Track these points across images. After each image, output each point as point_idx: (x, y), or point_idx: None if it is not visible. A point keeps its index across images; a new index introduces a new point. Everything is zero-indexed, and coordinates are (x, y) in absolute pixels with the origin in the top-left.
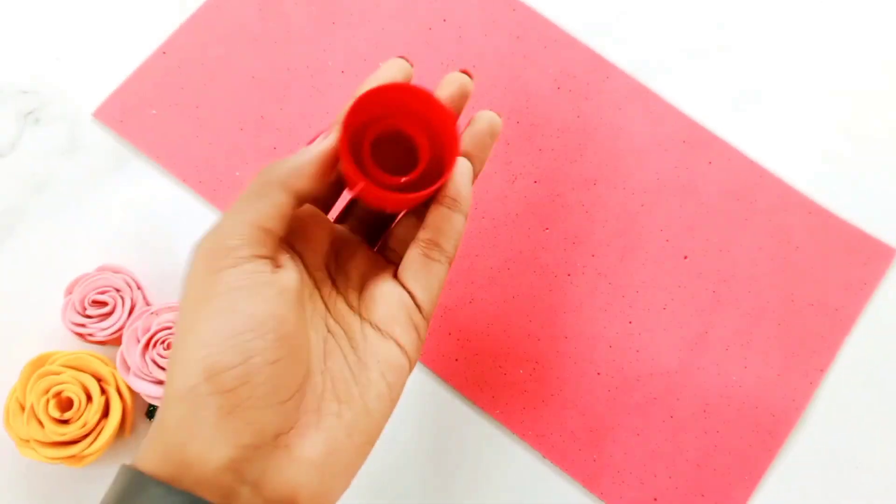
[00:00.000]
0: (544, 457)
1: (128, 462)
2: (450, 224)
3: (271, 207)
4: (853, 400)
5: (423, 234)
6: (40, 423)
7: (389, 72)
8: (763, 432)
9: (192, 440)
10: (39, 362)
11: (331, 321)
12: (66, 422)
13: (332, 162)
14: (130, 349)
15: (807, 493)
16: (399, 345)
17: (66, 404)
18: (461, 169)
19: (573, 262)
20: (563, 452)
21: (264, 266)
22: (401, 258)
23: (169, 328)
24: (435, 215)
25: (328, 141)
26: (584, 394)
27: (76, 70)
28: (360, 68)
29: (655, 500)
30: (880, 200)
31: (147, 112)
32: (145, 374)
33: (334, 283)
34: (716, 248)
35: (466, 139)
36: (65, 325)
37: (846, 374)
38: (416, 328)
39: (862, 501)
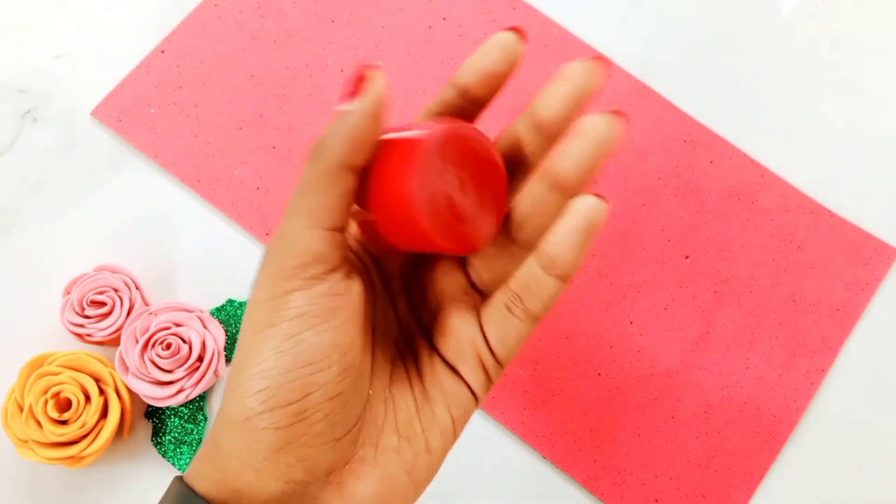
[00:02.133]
0: (544, 457)
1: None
2: (539, 285)
3: (337, 198)
4: (855, 400)
5: (511, 284)
6: (39, 423)
7: (490, 56)
8: (764, 433)
9: (244, 470)
10: (38, 363)
11: (401, 342)
12: (64, 422)
13: (380, 121)
14: (129, 349)
15: (808, 493)
16: (466, 384)
17: (64, 405)
18: (571, 226)
19: None
20: (564, 453)
21: (335, 285)
22: (485, 283)
23: (167, 328)
24: (526, 271)
25: (373, 95)
26: (585, 394)
27: (74, 69)
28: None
29: (656, 501)
30: (882, 200)
31: (145, 111)
32: (144, 375)
33: (410, 297)
34: (717, 247)
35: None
36: (63, 326)
37: (848, 375)
38: (487, 371)
39: (863, 503)
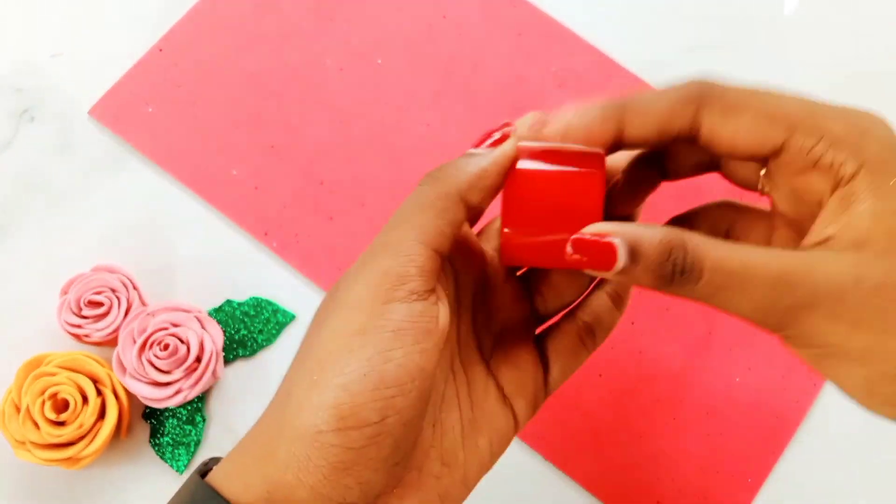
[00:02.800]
0: (546, 459)
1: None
2: (611, 319)
3: (449, 225)
4: None
5: (583, 315)
6: (36, 424)
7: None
8: (767, 434)
9: (300, 486)
10: (35, 363)
11: (457, 363)
12: (61, 423)
13: (503, 175)
14: (126, 350)
15: (811, 495)
16: (515, 417)
17: (61, 406)
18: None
19: None
20: (566, 455)
21: (431, 307)
22: (548, 310)
23: (165, 329)
24: (600, 303)
25: (509, 145)
26: (587, 396)
27: (71, 68)
28: (358, 65)
29: (658, 503)
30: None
31: (143, 110)
32: (141, 376)
33: (475, 319)
34: None
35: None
36: (60, 326)
37: None
38: (536, 404)
39: (873, 482)
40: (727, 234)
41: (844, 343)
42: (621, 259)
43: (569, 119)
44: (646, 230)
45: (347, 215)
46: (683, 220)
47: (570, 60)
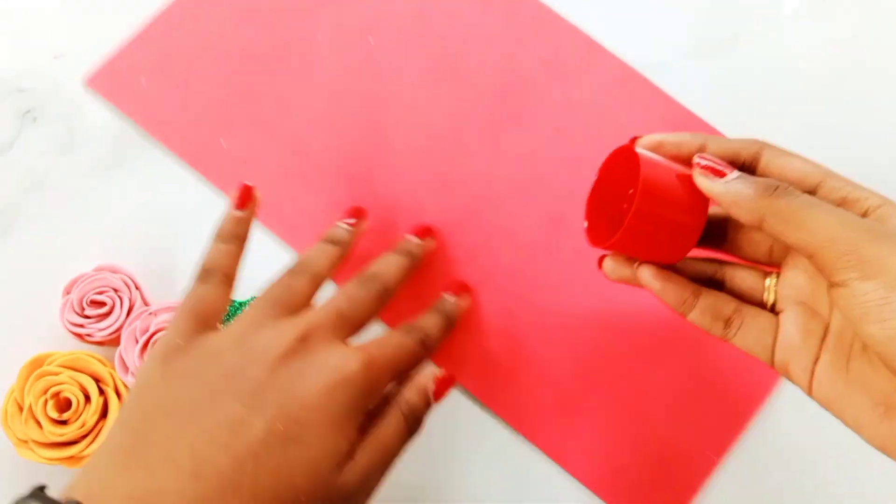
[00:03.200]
0: (514, 428)
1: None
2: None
3: None
4: None
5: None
6: (38, 423)
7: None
8: (731, 408)
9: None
10: (37, 363)
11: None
12: (64, 422)
13: None
14: (129, 350)
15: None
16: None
17: (64, 405)
18: None
19: (554, 241)
20: (532, 423)
21: None
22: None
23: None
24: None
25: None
26: (555, 368)
27: (73, 69)
28: (350, 42)
29: (622, 471)
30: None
31: (137, 81)
32: None
33: None
34: None
35: None
36: (63, 326)
37: None
38: None
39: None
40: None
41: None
42: (733, 172)
43: (664, 137)
44: (733, 141)
45: (334, 189)
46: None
47: (558, 44)
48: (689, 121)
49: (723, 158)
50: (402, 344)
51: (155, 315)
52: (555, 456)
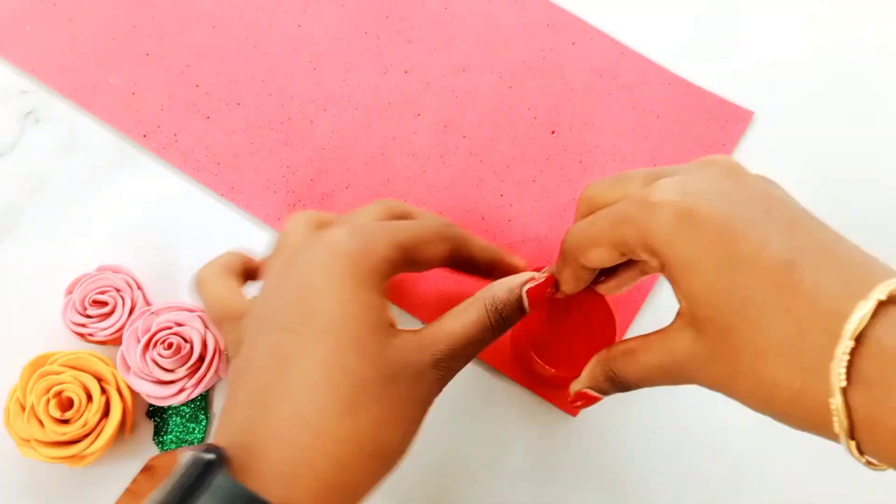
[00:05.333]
0: (421, 321)
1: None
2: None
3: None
4: None
5: None
6: (41, 422)
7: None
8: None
9: None
10: (40, 362)
11: None
12: (66, 421)
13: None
14: (130, 349)
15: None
16: None
17: (66, 404)
18: None
19: (445, 144)
20: (438, 315)
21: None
22: None
23: (169, 328)
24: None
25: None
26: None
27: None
28: None
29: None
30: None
31: (21, 29)
32: (145, 374)
33: None
34: (581, 122)
35: None
36: (65, 325)
37: None
38: None
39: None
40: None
41: (720, 391)
42: (599, 395)
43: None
44: (588, 374)
45: (224, 113)
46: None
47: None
48: (564, 17)
49: (573, 288)
50: (407, 225)
51: (157, 314)
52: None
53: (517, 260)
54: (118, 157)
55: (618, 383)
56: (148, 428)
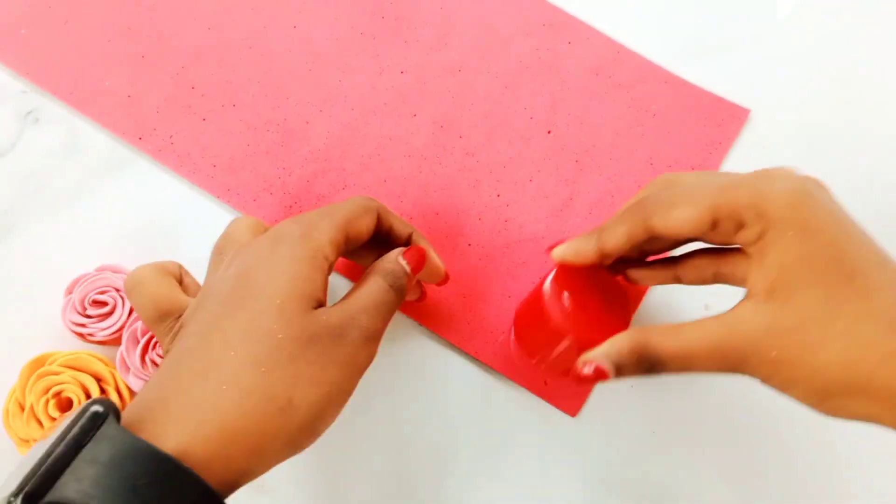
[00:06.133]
0: (420, 324)
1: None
2: None
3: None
4: None
5: None
6: (40, 423)
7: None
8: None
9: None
10: (39, 362)
11: None
12: None
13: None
14: (130, 350)
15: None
16: None
17: (65, 404)
18: None
19: (442, 144)
20: (438, 318)
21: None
22: None
23: None
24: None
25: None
26: (456, 264)
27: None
28: None
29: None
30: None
31: (17, 33)
32: (145, 375)
33: None
34: (578, 121)
35: None
36: (65, 325)
37: None
38: None
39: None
40: (715, 278)
41: (774, 376)
42: (612, 372)
43: (564, 252)
44: (613, 345)
45: (220, 115)
46: (672, 262)
47: None
48: (560, 17)
49: (617, 248)
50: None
51: None
52: (464, 346)
53: (425, 242)
54: (117, 157)
55: (644, 362)
56: None
